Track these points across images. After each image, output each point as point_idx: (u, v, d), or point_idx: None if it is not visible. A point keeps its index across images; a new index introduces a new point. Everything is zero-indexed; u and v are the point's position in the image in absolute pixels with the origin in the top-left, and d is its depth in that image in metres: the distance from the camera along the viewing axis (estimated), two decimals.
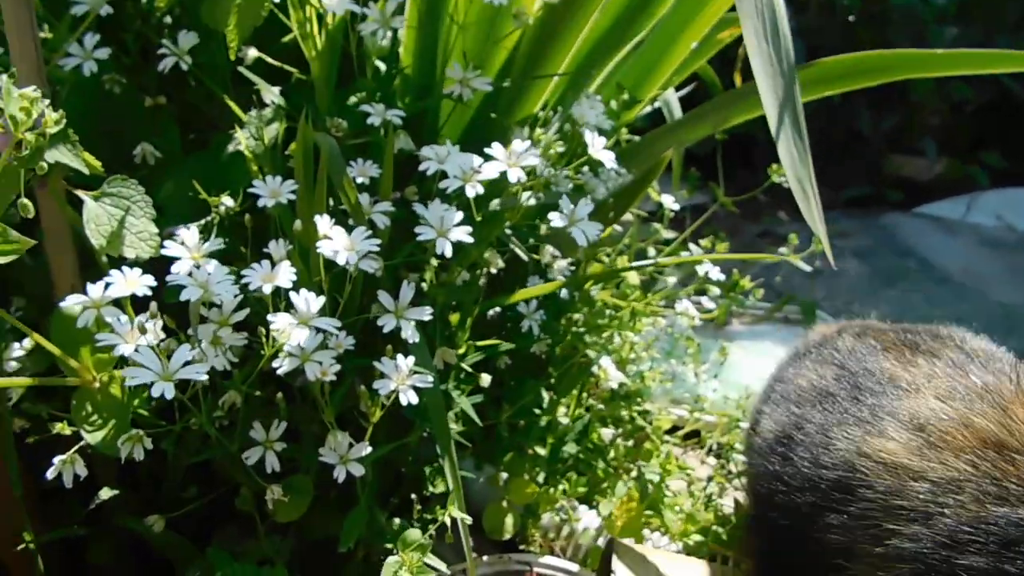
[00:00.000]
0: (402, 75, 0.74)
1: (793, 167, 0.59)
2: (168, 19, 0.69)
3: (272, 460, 0.59)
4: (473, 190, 0.55)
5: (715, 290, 1.11)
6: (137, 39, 0.66)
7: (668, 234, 1.15)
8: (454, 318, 0.73)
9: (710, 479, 0.91)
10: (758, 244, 1.64)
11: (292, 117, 0.68)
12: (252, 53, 0.64)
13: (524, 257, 0.81)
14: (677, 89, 1.20)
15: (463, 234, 0.54)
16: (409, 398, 0.54)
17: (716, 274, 1.06)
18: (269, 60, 0.66)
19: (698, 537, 0.77)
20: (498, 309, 0.81)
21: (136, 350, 0.46)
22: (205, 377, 0.47)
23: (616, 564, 0.68)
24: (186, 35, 0.63)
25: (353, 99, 0.68)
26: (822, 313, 1.32)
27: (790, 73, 0.59)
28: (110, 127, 0.65)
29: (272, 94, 0.66)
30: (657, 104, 1.15)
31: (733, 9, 0.82)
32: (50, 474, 0.50)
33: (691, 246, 1.10)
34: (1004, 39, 1.75)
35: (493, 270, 0.74)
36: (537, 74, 0.75)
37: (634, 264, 1.02)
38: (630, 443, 0.94)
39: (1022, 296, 1.44)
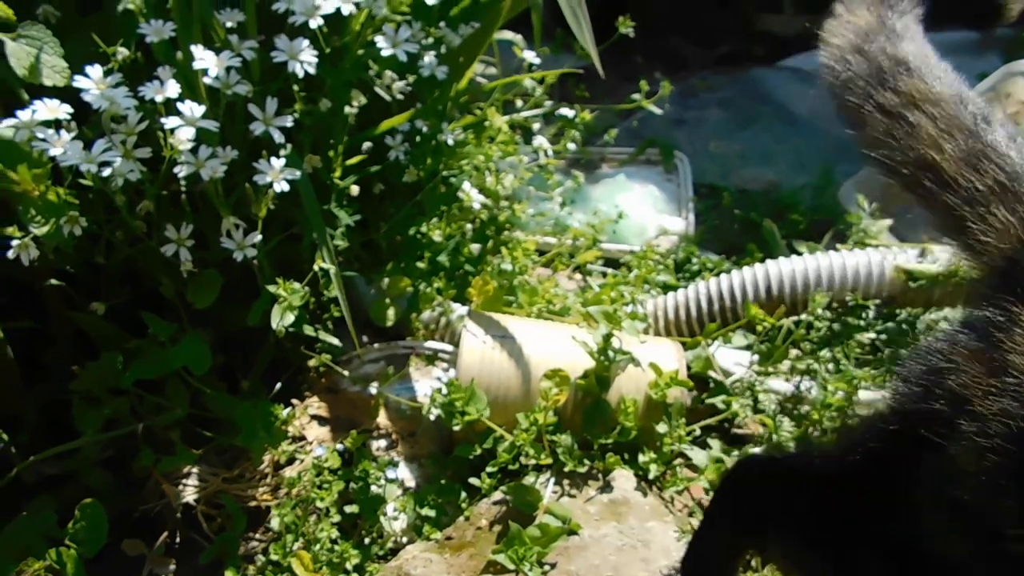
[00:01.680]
0: None
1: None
2: None
3: (184, 254, 0.78)
4: (315, 23, 0.73)
5: (573, 132, 1.33)
6: None
7: (521, 78, 1.32)
8: (331, 153, 0.92)
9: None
10: (628, 90, 1.84)
11: None
12: None
13: (387, 97, 1.00)
14: None
15: (310, 56, 0.72)
16: (282, 187, 0.73)
17: (566, 111, 1.27)
18: None
19: (541, 307, 1.00)
20: (371, 145, 1.00)
21: (64, 151, 0.64)
22: (119, 159, 0.66)
23: (467, 323, 0.90)
24: None
25: None
26: (680, 153, 1.54)
27: None
28: None
29: None
30: None
31: None
32: (10, 255, 0.68)
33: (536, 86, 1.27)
34: None
35: (356, 104, 0.92)
36: None
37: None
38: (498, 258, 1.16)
39: None
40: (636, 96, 1.37)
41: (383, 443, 0.94)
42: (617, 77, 1.90)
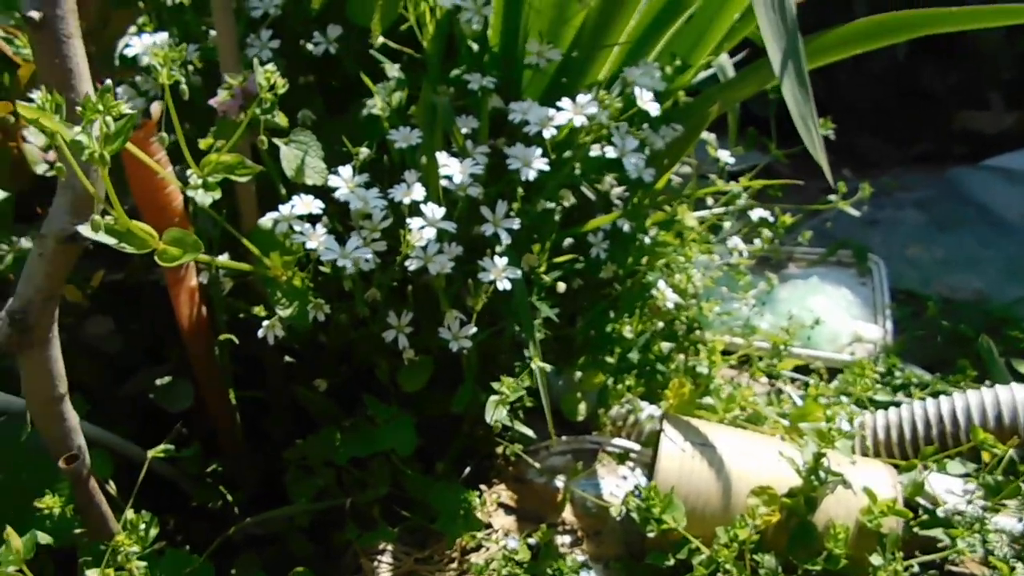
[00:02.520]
0: (490, 52, 0.97)
1: (797, 106, 0.79)
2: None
3: (403, 340, 0.83)
4: (549, 133, 0.77)
5: (765, 232, 1.31)
6: (295, 32, 0.91)
7: (727, 186, 1.34)
8: (536, 247, 0.96)
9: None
10: (822, 200, 1.80)
11: (408, 87, 0.92)
12: (379, 40, 0.88)
13: (592, 196, 1.04)
14: (732, 54, 1.39)
15: (542, 164, 0.76)
16: (504, 285, 0.77)
17: (761, 214, 1.25)
18: (391, 44, 0.90)
19: (736, 414, 0.97)
20: (572, 242, 1.03)
21: (321, 244, 0.71)
22: (371, 255, 0.71)
23: (666, 426, 0.89)
24: (333, 28, 0.88)
25: (456, 72, 0.91)
26: (874, 257, 1.48)
27: (792, 32, 0.78)
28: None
29: (394, 70, 0.90)
30: (714, 69, 1.34)
31: None
32: (260, 333, 0.75)
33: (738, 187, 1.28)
34: None
35: (566, 203, 0.96)
36: (600, 45, 0.97)
37: (695, 212, 1.22)
38: (685, 356, 1.15)
39: None
40: (832, 197, 1.34)
41: (568, 539, 0.94)
42: (805, 175, 1.87)
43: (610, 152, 0.80)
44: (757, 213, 1.25)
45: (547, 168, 0.76)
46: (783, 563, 0.81)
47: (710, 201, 1.37)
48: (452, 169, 0.73)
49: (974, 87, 1.93)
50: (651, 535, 0.83)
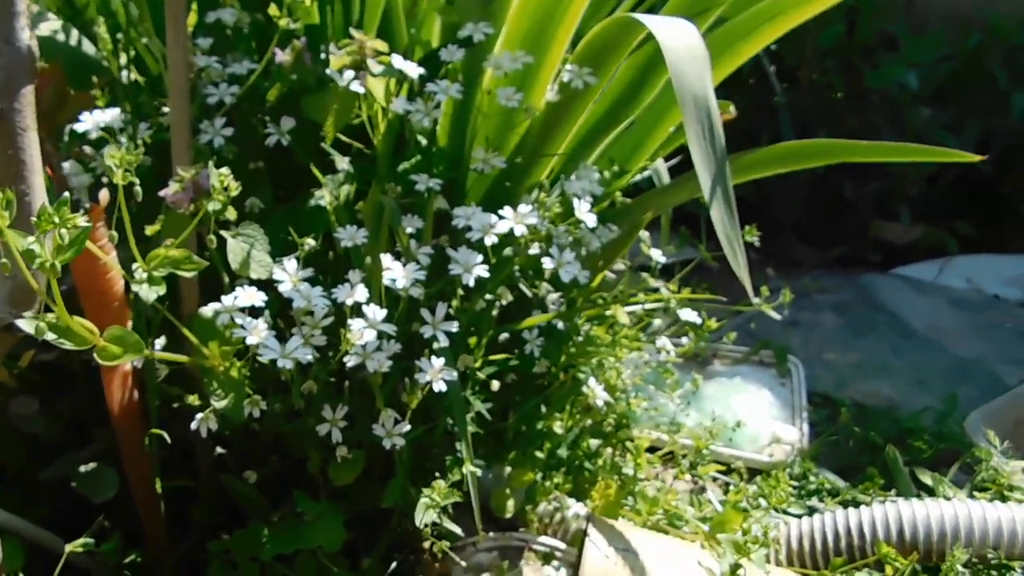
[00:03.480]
0: (439, 150, 1.01)
1: (723, 228, 0.84)
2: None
3: (336, 434, 0.84)
4: (490, 240, 0.81)
5: (692, 333, 1.37)
6: (248, 120, 0.94)
7: (657, 283, 1.40)
8: (472, 340, 0.98)
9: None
10: (746, 298, 1.88)
11: (357, 179, 0.95)
12: (332, 136, 0.91)
13: (528, 294, 1.07)
14: (667, 159, 1.47)
15: (482, 271, 0.80)
16: (440, 387, 0.79)
17: (690, 316, 1.31)
18: (342, 137, 0.93)
19: (658, 516, 1.00)
20: (507, 336, 1.06)
21: (262, 342, 0.72)
22: (310, 356, 0.73)
23: (591, 530, 0.91)
24: (287, 120, 0.90)
25: (405, 166, 0.95)
26: (793, 358, 1.56)
27: (721, 161, 0.84)
28: None
29: (343, 163, 0.93)
30: (648, 172, 1.42)
31: None
32: (193, 426, 0.75)
33: (667, 292, 1.34)
34: (972, 120, 2.01)
35: (503, 302, 0.99)
36: (543, 153, 1.02)
37: (623, 305, 1.28)
38: (612, 452, 1.18)
39: (979, 351, 1.67)
40: (756, 300, 1.41)
41: None
42: (731, 272, 1.97)
43: (547, 263, 0.84)
44: (686, 314, 1.31)
45: (487, 274, 0.79)
46: None
47: (641, 297, 1.43)
48: (396, 273, 0.76)
49: (886, 200, 2.08)
50: None
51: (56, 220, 0.48)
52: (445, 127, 1.03)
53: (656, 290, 1.38)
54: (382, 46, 0.81)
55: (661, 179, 1.42)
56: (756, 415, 1.40)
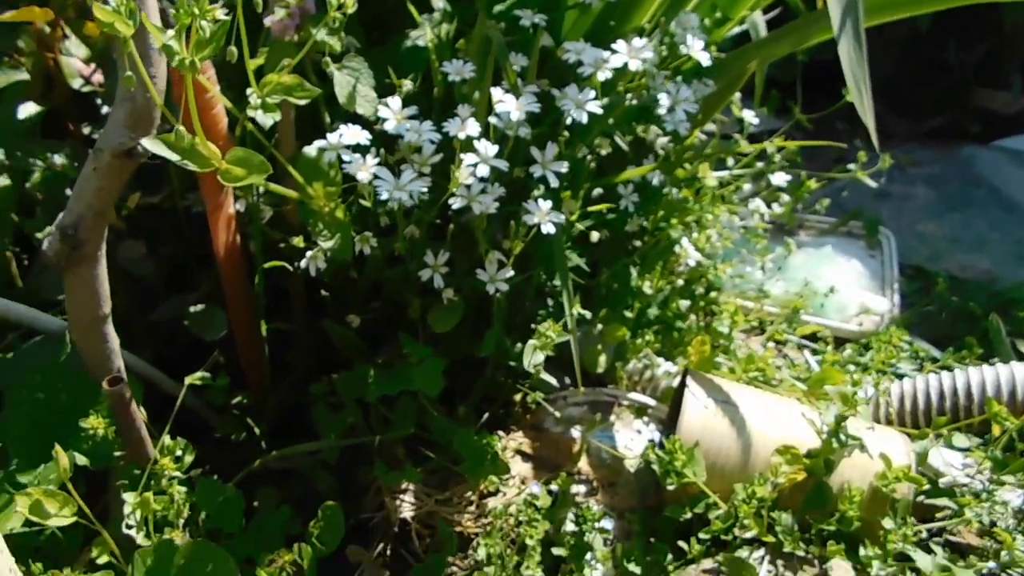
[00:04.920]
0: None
1: (851, 66, 0.79)
2: None
3: (438, 279, 0.84)
4: (603, 75, 0.77)
5: (784, 196, 1.33)
6: None
7: (760, 146, 1.35)
8: (567, 195, 0.96)
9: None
10: (834, 168, 1.82)
11: (453, 19, 0.91)
12: None
13: (624, 147, 1.04)
14: (765, 12, 1.39)
15: (595, 107, 0.77)
16: (548, 228, 0.78)
17: (783, 179, 1.27)
18: None
19: (754, 374, 1.00)
20: (601, 192, 1.04)
21: (375, 175, 0.71)
22: (424, 189, 0.72)
23: (689, 382, 0.92)
24: None
25: (501, 7, 0.91)
26: (885, 230, 1.51)
27: None
28: None
29: (440, 1, 0.89)
30: (746, 26, 1.34)
31: None
32: (303, 263, 0.75)
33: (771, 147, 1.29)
34: None
35: (602, 152, 0.97)
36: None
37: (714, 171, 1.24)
38: (698, 316, 1.17)
39: None
40: (852, 167, 1.35)
41: (582, 488, 0.97)
42: (819, 141, 1.89)
43: (663, 100, 0.81)
44: (780, 178, 1.26)
45: (599, 111, 0.77)
46: (798, 522, 0.85)
47: (730, 162, 1.39)
48: (508, 105, 0.73)
49: (995, 66, 1.95)
50: (670, 488, 0.86)
51: (196, 11, 0.46)
52: None
53: (746, 154, 1.33)
54: None
55: (759, 33, 1.34)
56: (845, 285, 1.38)
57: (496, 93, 0.74)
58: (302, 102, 0.66)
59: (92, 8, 0.50)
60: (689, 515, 0.86)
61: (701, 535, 0.84)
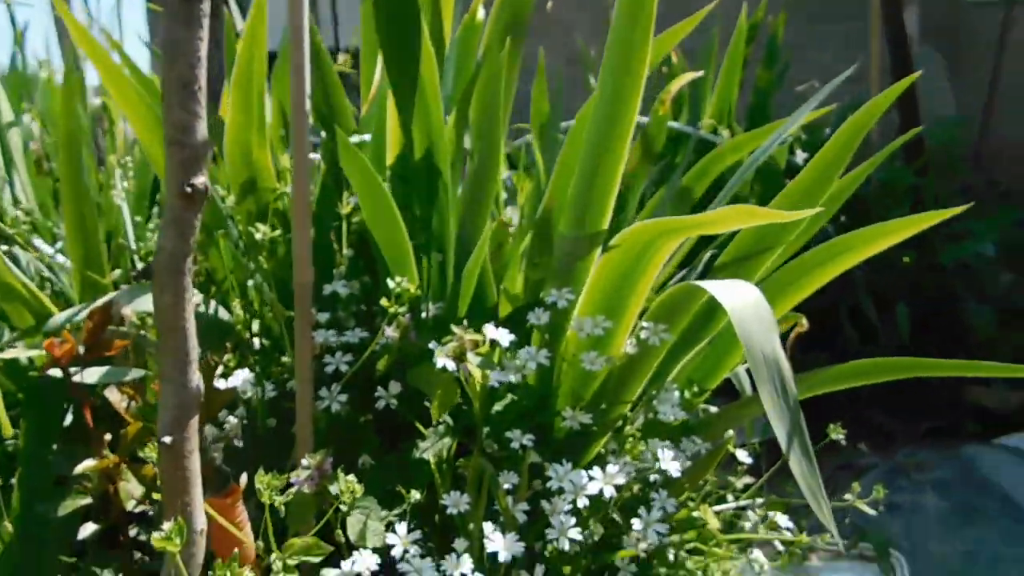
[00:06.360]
0: (528, 387, 1.12)
1: (804, 479, 0.91)
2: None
3: None
4: (582, 502, 0.89)
5: (786, 534, 1.39)
6: (358, 384, 1.07)
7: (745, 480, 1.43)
8: (567, 569, 1.05)
9: None
10: (838, 476, 1.88)
11: (455, 432, 1.06)
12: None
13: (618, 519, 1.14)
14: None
15: (576, 534, 0.88)
16: None
17: (785, 522, 1.34)
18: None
19: None
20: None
21: None
22: None
23: None
24: (394, 384, 1.03)
25: (498, 407, 1.05)
26: (895, 553, 1.55)
27: (795, 414, 0.92)
28: (340, 436, 1.05)
29: (446, 420, 1.04)
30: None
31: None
32: None
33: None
34: None
35: (595, 537, 1.06)
36: (621, 400, 1.11)
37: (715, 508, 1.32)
38: None
39: None
40: (848, 497, 1.42)
41: None
42: (821, 451, 1.98)
43: (636, 525, 0.92)
44: (783, 520, 1.32)
45: (579, 538, 0.87)
46: None
47: (730, 498, 1.47)
48: (497, 545, 0.85)
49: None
50: None
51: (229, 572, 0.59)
52: (532, 381, 1.14)
53: (747, 487, 1.41)
54: (479, 338, 0.93)
55: (743, 386, 1.48)
56: None
57: (487, 529, 0.86)
58: (317, 559, 0.78)
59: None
60: None
61: None
